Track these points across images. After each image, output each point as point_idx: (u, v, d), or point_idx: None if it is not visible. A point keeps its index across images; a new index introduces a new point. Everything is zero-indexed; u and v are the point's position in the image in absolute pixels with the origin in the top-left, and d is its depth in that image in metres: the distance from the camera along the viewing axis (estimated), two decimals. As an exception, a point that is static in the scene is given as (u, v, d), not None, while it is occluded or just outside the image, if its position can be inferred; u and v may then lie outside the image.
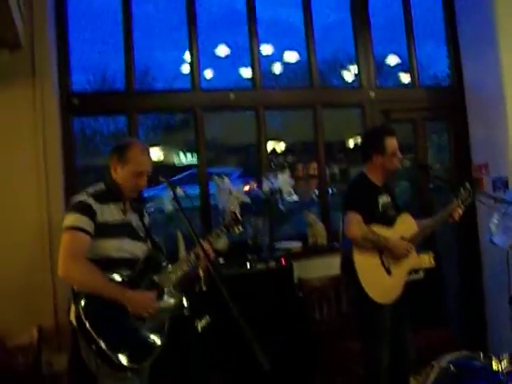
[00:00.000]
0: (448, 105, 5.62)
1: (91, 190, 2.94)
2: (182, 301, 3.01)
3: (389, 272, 3.56)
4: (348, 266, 3.52)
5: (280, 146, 6.52)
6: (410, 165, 3.92)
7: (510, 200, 4.01)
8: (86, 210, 2.82)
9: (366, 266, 3.48)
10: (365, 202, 3.56)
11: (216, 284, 2.53)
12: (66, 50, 4.48)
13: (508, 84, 5.07)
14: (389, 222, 3.64)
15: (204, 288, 3.03)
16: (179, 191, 3.00)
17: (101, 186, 2.98)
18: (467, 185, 3.77)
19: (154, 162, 4.11)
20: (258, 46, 5.09)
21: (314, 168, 5.95)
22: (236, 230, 3.26)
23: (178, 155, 6.61)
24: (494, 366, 2.91)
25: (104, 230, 2.84)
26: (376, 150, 3.67)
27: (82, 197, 2.88)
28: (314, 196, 5.94)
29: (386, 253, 3.54)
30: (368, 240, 3.47)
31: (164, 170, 6.18)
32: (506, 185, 5.00)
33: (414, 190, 5.68)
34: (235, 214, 3.29)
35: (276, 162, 6.31)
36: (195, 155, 5.35)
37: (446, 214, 3.73)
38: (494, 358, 2.96)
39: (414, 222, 3.75)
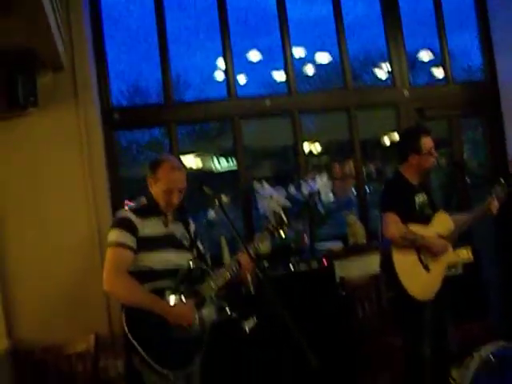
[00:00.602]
0: (482, 100, 5.63)
1: (133, 205, 3.07)
2: (223, 307, 3.04)
3: (427, 269, 3.62)
4: (388, 265, 3.60)
5: (316, 147, 6.56)
6: (445, 162, 3.99)
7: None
8: (127, 225, 2.92)
9: (405, 264, 3.56)
10: (401, 202, 3.63)
11: (263, 287, 2.63)
12: (104, 67, 4.66)
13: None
14: (426, 220, 3.71)
15: (252, 292, 3.09)
16: (224, 199, 3.12)
17: (142, 200, 3.08)
18: (502, 180, 3.83)
19: (191, 169, 4.26)
20: (290, 49, 5.19)
21: (350, 167, 5.99)
22: (281, 233, 3.28)
23: (215, 161, 6.70)
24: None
25: (146, 244, 2.93)
26: (412, 149, 3.73)
27: (124, 213, 3.01)
28: (351, 195, 5.96)
29: (424, 251, 3.61)
30: (406, 239, 3.55)
31: (202, 177, 6.29)
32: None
33: (451, 187, 5.70)
34: (280, 216, 3.30)
35: (313, 163, 6.34)
36: (232, 160, 5.49)
37: (482, 210, 3.81)
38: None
39: (451, 220, 3.80)
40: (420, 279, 3.60)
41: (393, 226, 3.54)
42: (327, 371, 2.99)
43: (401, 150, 3.86)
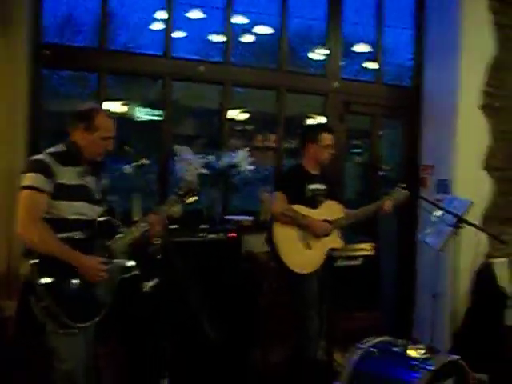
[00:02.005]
0: (406, 104, 5.90)
1: (52, 150, 3.02)
2: (130, 264, 3.14)
3: (309, 246, 3.95)
4: (269, 238, 3.97)
5: (242, 115, 6.61)
6: (360, 162, 4.30)
7: (447, 207, 4.32)
8: (45, 170, 2.90)
9: (286, 239, 3.92)
10: (292, 186, 4.01)
11: (169, 251, 2.71)
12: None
13: (463, 94, 5.39)
14: (315, 205, 4.07)
15: (157, 255, 3.15)
16: (144, 161, 3.17)
17: (61, 147, 3.06)
18: (402, 186, 4.24)
19: (116, 114, 4.23)
20: (231, 17, 5.23)
21: (272, 141, 6.13)
22: (190, 200, 3.39)
23: (139, 110, 6.62)
24: (411, 353, 3.24)
25: (61, 192, 2.93)
26: (310, 139, 4.15)
27: (42, 157, 2.96)
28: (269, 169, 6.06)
29: (307, 230, 3.95)
30: (286, 216, 3.90)
31: (126, 125, 6.19)
32: (447, 188, 5.33)
33: (365, 186, 5.98)
34: (191, 183, 3.45)
35: (236, 130, 6.39)
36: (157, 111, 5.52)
37: (375, 208, 4.19)
38: (410, 346, 3.30)
39: (340, 208, 4.17)
40: (299, 254, 3.94)
41: (276, 203, 3.94)
42: (225, 342, 3.12)
43: (301, 139, 4.26)
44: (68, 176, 2.98)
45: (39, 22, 4.48)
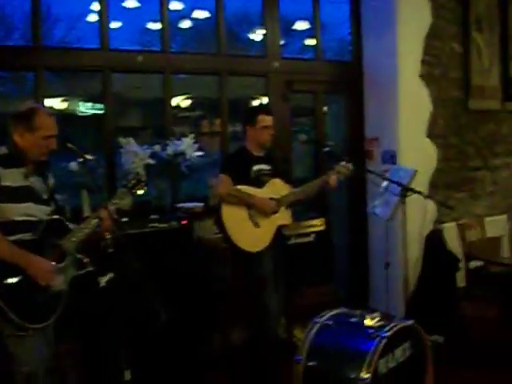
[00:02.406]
0: (347, 79, 5.98)
1: None
2: (83, 262, 3.14)
3: (257, 225, 4.02)
4: (218, 220, 4.03)
5: (185, 102, 6.61)
6: (305, 140, 4.37)
7: (392, 178, 4.43)
8: None
9: (234, 219, 3.99)
10: (236, 167, 4.09)
11: (120, 244, 2.71)
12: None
13: (402, 65, 5.52)
14: (260, 185, 4.13)
15: (110, 249, 3.15)
16: (88, 156, 3.17)
17: (3, 149, 3.04)
18: (346, 159, 4.29)
19: (57, 111, 4.19)
20: (168, 3, 5.18)
21: (218, 125, 6.16)
22: (139, 192, 3.40)
23: (80, 105, 6.54)
24: (367, 322, 3.34)
25: (7, 194, 2.91)
26: (248, 122, 4.21)
27: None
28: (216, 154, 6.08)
29: (254, 209, 4.02)
30: (232, 196, 3.99)
31: (69, 121, 6.10)
32: (393, 159, 5.45)
33: (312, 163, 6.05)
34: (139, 174, 3.44)
35: (181, 117, 6.38)
36: (98, 106, 5.47)
37: (321, 182, 4.24)
38: (366, 316, 3.39)
39: (286, 186, 4.23)
40: (248, 233, 4.01)
41: (222, 184, 4.03)
42: (182, 331, 3.15)
43: (242, 123, 4.33)
44: (12, 178, 2.96)
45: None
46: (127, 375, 2.92)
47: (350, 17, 6.06)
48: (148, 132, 6.44)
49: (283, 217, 4.17)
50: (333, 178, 4.20)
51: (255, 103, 5.76)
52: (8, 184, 2.93)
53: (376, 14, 5.77)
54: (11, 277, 2.83)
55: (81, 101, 6.24)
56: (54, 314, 2.99)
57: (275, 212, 4.09)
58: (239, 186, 4.01)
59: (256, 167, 4.16)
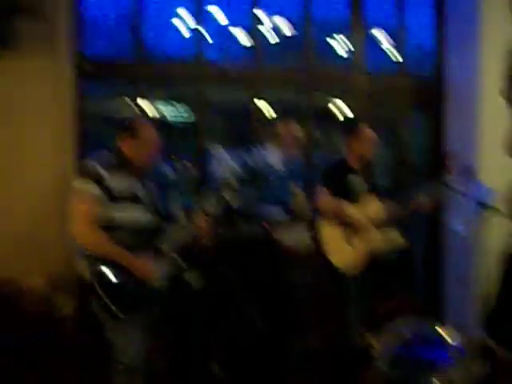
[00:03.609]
0: (429, 94, 6.03)
1: (101, 158, 3.25)
2: (179, 263, 3.37)
3: (351, 244, 4.06)
4: (314, 233, 4.08)
5: (269, 110, 6.74)
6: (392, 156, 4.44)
7: (473, 195, 4.47)
8: (96, 177, 3.12)
9: (330, 234, 4.02)
10: (336, 180, 4.10)
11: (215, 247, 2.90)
12: (80, 17, 4.75)
13: (485, 82, 5.50)
14: (357, 200, 4.15)
15: (210, 255, 3.37)
16: (186, 163, 3.44)
17: (111, 156, 3.29)
18: (436, 183, 4.33)
19: (147, 116, 4.46)
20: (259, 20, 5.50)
21: (299, 132, 6.29)
22: (230, 199, 3.61)
23: (169, 109, 6.79)
24: (443, 334, 3.45)
25: (112, 197, 3.15)
26: (352, 136, 4.24)
27: (93, 164, 3.18)
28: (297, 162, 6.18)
29: (349, 227, 4.05)
30: (334, 213, 4.01)
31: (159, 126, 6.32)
32: (473, 175, 5.46)
33: (396, 178, 6.10)
34: (230, 184, 3.67)
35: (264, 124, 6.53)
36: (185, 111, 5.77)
37: (414, 206, 4.25)
38: (443, 328, 3.50)
39: (380, 205, 4.23)
40: (343, 252, 4.03)
41: (324, 199, 3.98)
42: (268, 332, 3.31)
43: (344, 136, 4.35)
44: (118, 182, 3.20)
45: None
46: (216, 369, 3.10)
47: (434, 31, 6.10)
48: (231, 138, 6.63)
49: (378, 237, 4.20)
50: (425, 204, 4.21)
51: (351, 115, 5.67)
52: (114, 187, 3.17)
53: (460, 27, 5.78)
54: (116, 274, 3.09)
55: (168, 105, 6.46)
56: (152, 308, 3.25)
57: (369, 232, 4.12)
58: (341, 204, 4.02)
59: (353, 181, 4.17)
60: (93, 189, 3.11)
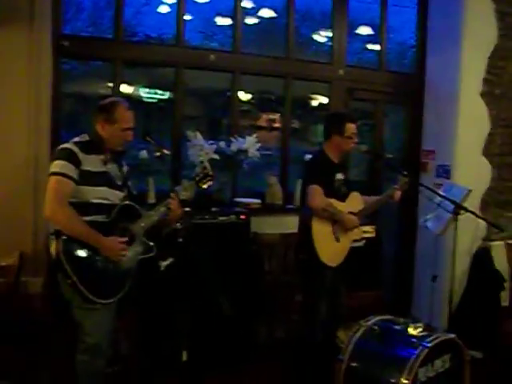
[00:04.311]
0: (409, 91, 6.09)
1: (77, 139, 3.22)
2: (150, 246, 3.34)
3: (338, 240, 4.06)
4: (305, 231, 3.98)
5: (246, 96, 6.73)
6: (366, 150, 4.46)
7: (446, 194, 4.51)
8: (72, 158, 3.09)
9: (321, 233, 3.96)
10: (323, 177, 4.01)
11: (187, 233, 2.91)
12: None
13: (465, 81, 5.57)
14: (341, 197, 4.13)
15: (179, 238, 3.34)
16: (166, 151, 3.42)
17: (85, 137, 3.26)
18: (405, 173, 4.34)
19: (124, 97, 4.44)
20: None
21: (277, 120, 6.29)
22: (205, 185, 3.57)
23: (146, 91, 6.74)
24: (410, 330, 3.47)
25: (86, 178, 3.12)
26: (336, 131, 4.13)
27: (69, 146, 3.15)
28: (273, 151, 6.21)
29: (338, 224, 4.04)
30: (327, 211, 3.94)
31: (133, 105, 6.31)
32: (447, 173, 5.55)
33: (368, 172, 6.21)
34: (206, 168, 3.61)
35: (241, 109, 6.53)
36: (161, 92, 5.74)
37: (386, 197, 4.32)
38: (410, 324, 3.53)
39: (362, 200, 4.27)
40: (330, 248, 4.02)
41: (318, 197, 3.91)
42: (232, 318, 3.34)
43: (326, 130, 4.23)
44: (92, 163, 3.18)
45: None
46: (184, 356, 3.12)
47: (416, 28, 6.16)
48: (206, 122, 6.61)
49: (358, 231, 4.22)
50: (397, 194, 4.28)
51: (339, 111, 5.47)
52: (88, 168, 3.14)
53: (442, 27, 5.83)
54: (85, 252, 3.06)
55: (142, 86, 6.42)
56: (121, 291, 3.21)
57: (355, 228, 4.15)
58: (331, 200, 3.98)
59: (337, 177, 4.15)
60: (66, 168, 3.07)
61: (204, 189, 3.63)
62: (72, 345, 3.23)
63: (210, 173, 3.59)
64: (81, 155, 3.13)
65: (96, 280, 3.09)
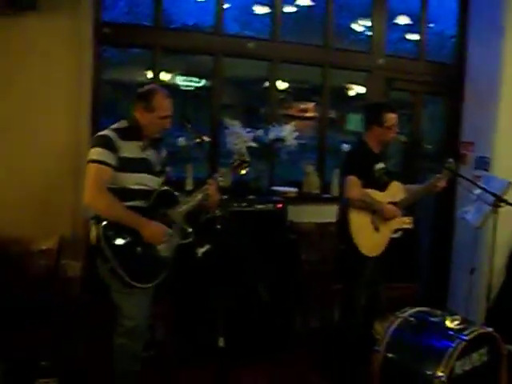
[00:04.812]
0: (448, 81, 6.00)
1: (115, 126, 3.27)
2: (188, 232, 3.40)
3: (377, 230, 4.06)
4: (344, 222, 4.00)
5: (283, 85, 6.71)
6: (405, 140, 4.41)
7: (485, 185, 4.41)
8: (110, 145, 3.14)
9: (359, 223, 3.98)
10: (362, 168, 4.01)
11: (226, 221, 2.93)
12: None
13: (506, 72, 5.45)
14: (381, 187, 4.12)
15: (218, 225, 3.33)
16: (205, 138, 3.45)
17: (124, 123, 3.30)
18: (450, 160, 4.25)
19: (163, 85, 4.48)
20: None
21: (309, 109, 6.26)
22: (242, 172, 3.58)
23: (184, 79, 6.76)
24: (448, 323, 3.45)
25: (125, 165, 3.17)
26: (376, 121, 4.12)
27: (107, 133, 3.20)
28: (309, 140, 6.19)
29: (377, 214, 4.03)
30: (364, 202, 3.96)
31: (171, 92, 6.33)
32: (486, 165, 5.47)
33: (403, 164, 6.11)
34: (243, 156, 3.61)
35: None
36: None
37: (430, 186, 4.25)
38: (448, 316, 3.50)
39: (403, 189, 4.25)
40: (370, 238, 4.03)
41: (354, 188, 3.92)
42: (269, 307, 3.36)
43: (366, 120, 4.24)
44: (130, 150, 3.22)
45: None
46: (221, 342, 3.15)
47: (458, 18, 6.05)
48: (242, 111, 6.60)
49: (398, 221, 4.19)
50: (441, 183, 4.20)
51: (379, 101, 5.40)
52: (126, 155, 3.19)
53: (485, 17, 5.71)
54: (125, 238, 3.12)
55: (178, 74, 6.43)
56: (159, 276, 3.27)
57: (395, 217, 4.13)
58: (369, 192, 3.99)
59: (377, 166, 4.12)
60: (104, 156, 3.12)
61: (241, 175, 3.65)
62: (110, 328, 3.29)
63: (247, 159, 3.59)
64: (119, 142, 3.17)
65: (135, 265, 3.14)
